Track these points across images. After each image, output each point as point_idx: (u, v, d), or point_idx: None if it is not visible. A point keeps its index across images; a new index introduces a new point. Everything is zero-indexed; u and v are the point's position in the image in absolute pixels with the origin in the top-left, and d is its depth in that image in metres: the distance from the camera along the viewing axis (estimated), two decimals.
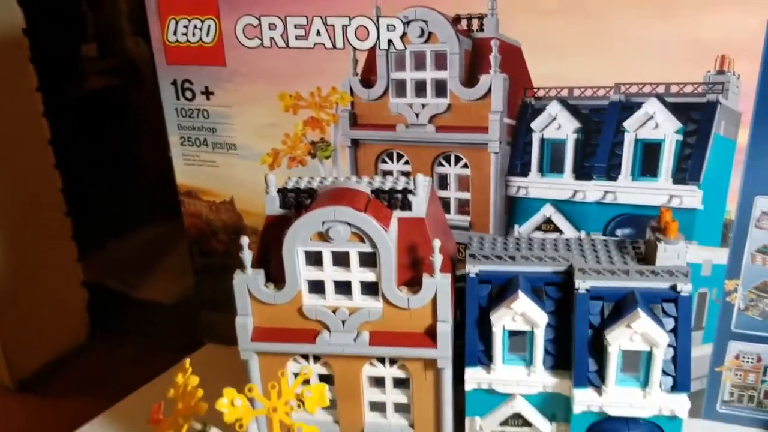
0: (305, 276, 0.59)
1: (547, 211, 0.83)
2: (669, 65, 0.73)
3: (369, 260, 0.58)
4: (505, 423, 0.64)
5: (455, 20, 0.78)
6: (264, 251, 0.60)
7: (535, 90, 0.78)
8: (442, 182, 0.85)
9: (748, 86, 0.72)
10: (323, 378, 0.63)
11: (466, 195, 0.85)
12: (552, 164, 0.81)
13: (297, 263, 0.58)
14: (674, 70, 0.73)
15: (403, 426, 0.64)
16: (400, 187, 0.59)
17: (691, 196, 0.77)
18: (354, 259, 0.58)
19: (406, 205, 0.58)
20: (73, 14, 1.98)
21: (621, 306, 0.58)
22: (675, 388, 0.58)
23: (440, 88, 0.81)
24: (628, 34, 0.73)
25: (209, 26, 0.86)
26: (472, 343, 0.62)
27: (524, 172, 0.82)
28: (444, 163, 0.84)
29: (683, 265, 0.59)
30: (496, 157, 0.82)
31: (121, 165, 2.00)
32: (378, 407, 0.64)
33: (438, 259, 0.56)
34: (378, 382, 0.63)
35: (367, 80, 0.83)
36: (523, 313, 0.59)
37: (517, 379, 0.61)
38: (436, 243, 0.56)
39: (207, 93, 0.90)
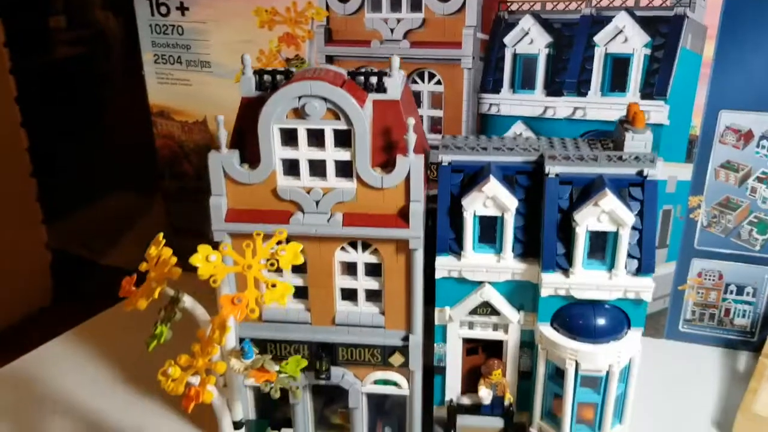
0: (280, 155, 0.59)
1: (518, 128, 0.84)
2: None
3: (344, 139, 0.58)
4: (473, 312, 0.65)
5: None
6: (239, 134, 0.61)
7: (508, 4, 0.79)
8: (416, 100, 0.85)
9: (714, 0, 0.74)
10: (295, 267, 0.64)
11: (439, 113, 0.86)
12: (524, 80, 0.82)
13: (272, 141, 0.58)
14: None
15: (374, 313, 0.65)
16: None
17: (658, 111, 0.79)
18: (329, 138, 0.58)
19: (381, 88, 0.59)
20: None
21: (589, 189, 0.59)
22: (640, 270, 0.59)
23: (415, 3, 0.82)
24: None
25: None
26: (443, 231, 0.63)
27: (496, 89, 0.83)
28: (418, 80, 0.85)
29: (651, 157, 0.60)
30: (468, 73, 0.83)
31: (92, 132, 1.97)
32: (349, 296, 0.65)
33: (412, 138, 0.57)
34: (350, 269, 0.64)
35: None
36: (493, 197, 0.60)
37: (487, 265, 0.62)
38: (410, 121, 0.57)
39: (182, 8, 0.89)
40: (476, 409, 0.69)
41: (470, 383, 0.68)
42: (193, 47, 0.91)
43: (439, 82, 0.84)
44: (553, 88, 0.81)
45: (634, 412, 0.65)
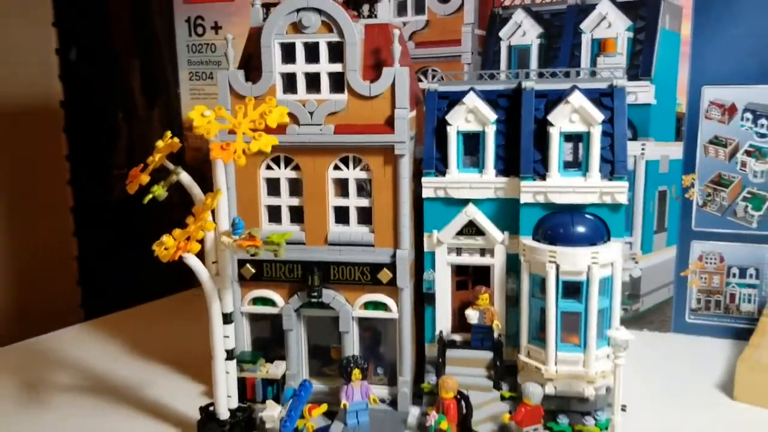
0: (280, 69, 0.66)
1: None
2: None
3: (337, 53, 0.65)
4: (460, 233, 0.68)
5: None
6: (246, 59, 0.68)
7: (502, 1, 0.88)
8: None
9: None
10: (294, 185, 0.69)
11: None
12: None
13: (273, 56, 0.65)
14: None
15: (364, 232, 0.68)
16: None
17: (644, 92, 0.84)
18: (323, 51, 0.65)
19: (373, 13, 0.66)
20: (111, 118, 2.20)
21: (563, 98, 0.64)
22: (613, 173, 0.62)
23: (419, 7, 0.92)
24: None
25: None
26: (429, 151, 0.67)
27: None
28: (422, 77, 0.93)
29: (620, 72, 0.65)
30: (469, 69, 0.91)
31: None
32: (342, 218, 0.69)
33: (397, 49, 0.63)
34: (343, 189, 0.68)
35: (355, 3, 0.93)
36: (474, 109, 0.65)
37: (470, 181, 0.66)
38: (396, 32, 0.63)
39: (216, 27, 1.01)
40: (467, 344, 0.69)
41: (462, 322, 0.69)
42: (223, 63, 1.01)
43: (441, 78, 0.92)
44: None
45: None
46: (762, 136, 0.81)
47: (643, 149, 0.85)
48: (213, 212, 0.59)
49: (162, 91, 2.16)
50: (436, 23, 0.91)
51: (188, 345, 0.83)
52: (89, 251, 2.08)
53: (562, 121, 0.62)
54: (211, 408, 0.64)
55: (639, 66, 0.84)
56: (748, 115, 0.82)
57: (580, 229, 0.63)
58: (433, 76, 0.89)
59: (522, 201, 0.64)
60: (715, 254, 0.86)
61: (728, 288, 0.86)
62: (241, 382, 0.67)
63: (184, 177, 0.59)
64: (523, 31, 0.87)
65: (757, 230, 0.84)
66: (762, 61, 0.80)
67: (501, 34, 0.88)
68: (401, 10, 0.92)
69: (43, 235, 2.19)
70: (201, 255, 0.59)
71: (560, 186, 0.63)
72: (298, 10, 0.64)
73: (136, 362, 0.82)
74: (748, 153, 0.82)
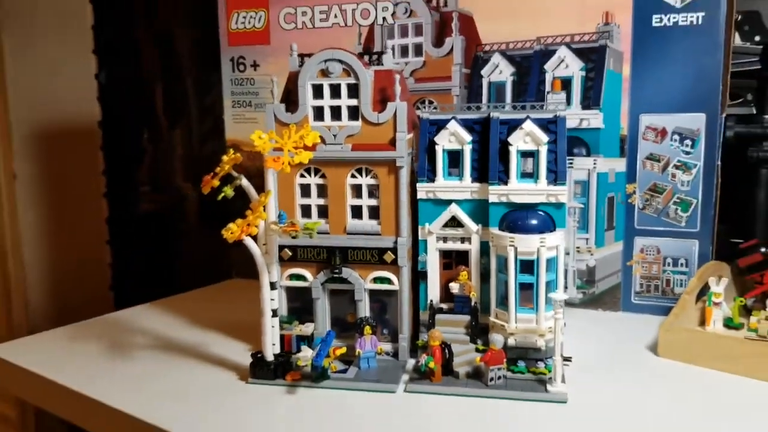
0: (311, 103, 0.89)
1: None
2: (572, 21, 1.06)
3: (354, 92, 0.88)
4: (445, 225, 0.90)
5: (428, 1, 1.13)
6: (286, 95, 0.91)
7: (483, 46, 1.11)
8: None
9: (625, 32, 1.04)
10: (321, 189, 0.91)
11: None
12: (496, 101, 1.12)
13: (306, 94, 0.88)
14: (576, 24, 1.06)
15: (374, 224, 0.90)
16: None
17: (595, 118, 1.07)
18: (344, 90, 0.88)
19: (380, 61, 0.89)
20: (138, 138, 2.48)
21: (519, 125, 0.86)
22: (556, 180, 0.85)
23: (418, 50, 1.15)
24: (542, 3, 1.07)
25: (261, 16, 1.22)
26: (422, 163, 0.90)
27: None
28: (420, 106, 1.16)
29: (562, 106, 0.88)
30: (457, 99, 1.13)
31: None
32: (357, 214, 0.91)
33: (398, 89, 0.86)
34: (357, 191, 0.91)
35: (368, 48, 1.17)
36: (455, 132, 0.88)
37: (453, 186, 0.89)
38: (397, 76, 0.87)
39: (255, 65, 1.25)
40: (451, 311, 0.92)
41: (447, 294, 0.92)
42: (260, 93, 1.25)
43: (435, 107, 1.15)
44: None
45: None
46: (687, 153, 1.03)
47: (594, 164, 1.07)
48: (264, 207, 0.81)
49: (182, 113, 2.49)
50: (431, 63, 1.14)
51: (227, 320, 1.06)
52: (121, 258, 2.36)
53: (518, 142, 0.85)
54: (260, 354, 0.86)
55: (590, 98, 1.07)
56: (676, 137, 1.04)
57: (532, 221, 0.85)
58: (428, 106, 1.12)
59: (490, 201, 0.86)
60: (653, 247, 1.08)
61: (664, 275, 1.08)
62: (280, 338, 0.89)
63: (244, 182, 0.82)
64: (499, 70, 1.10)
65: (685, 228, 1.05)
66: (685, 95, 1.02)
67: (482, 72, 1.11)
68: (404, 52, 1.15)
69: (80, 243, 2.51)
70: (253, 238, 0.82)
71: (518, 190, 0.85)
72: (325, 61, 0.87)
73: (188, 332, 1.04)
74: (676, 167, 1.04)
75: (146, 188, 2.67)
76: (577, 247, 1.08)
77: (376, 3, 1.14)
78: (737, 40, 1.19)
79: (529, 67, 1.08)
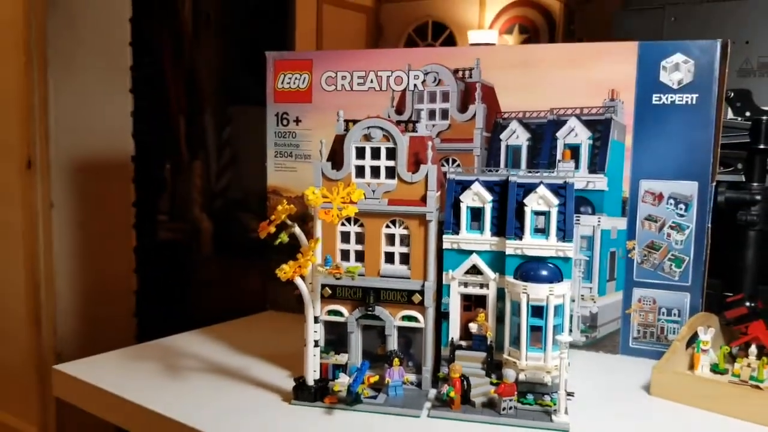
0: (354, 163, 1.03)
1: None
2: (582, 96, 1.21)
3: (391, 154, 1.02)
4: (467, 272, 1.04)
5: (455, 72, 1.28)
6: (332, 154, 1.06)
7: (502, 114, 1.26)
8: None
9: (628, 108, 1.18)
10: (359, 237, 1.05)
11: None
12: (513, 162, 1.26)
13: (351, 155, 1.03)
14: (584, 99, 1.21)
15: (404, 269, 1.04)
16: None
17: (600, 181, 1.21)
18: (383, 153, 1.02)
19: (414, 129, 1.04)
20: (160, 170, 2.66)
21: (533, 189, 1.00)
22: (564, 238, 0.98)
23: (444, 114, 1.29)
24: (557, 78, 1.22)
25: (305, 78, 1.38)
26: (448, 218, 1.04)
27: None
28: (444, 164, 1.30)
29: (571, 174, 1.01)
30: (478, 159, 1.28)
31: None
32: (389, 259, 1.05)
33: (430, 154, 1.01)
34: (391, 240, 1.05)
35: (399, 110, 1.32)
36: (477, 193, 1.02)
37: (474, 239, 1.02)
38: (429, 142, 1.01)
39: (297, 121, 1.39)
40: (469, 348, 1.05)
41: (466, 333, 1.05)
42: (300, 146, 1.40)
43: (458, 165, 1.29)
44: (532, 167, 1.24)
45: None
46: (681, 216, 1.17)
47: (599, 221, 1.21)
48: (313, 251, 0.95)
49: (202, 146, 2.68)
50: (456, 126, 1.28)
51: (267, 348, 1.18)
52: (147, 287, 2.52)
53: (533, 203, 0.98)
54: (302, 379, 0.99)
55: (596, 164, 1.20)
56: (671, 201, 1.17)
57: (543, 272, 0.98)
58: (452, 163, 1.26)
59: (507, 253, 1.00)
60: (649, 298, 1.20)
61: (659, 323, 1.20)
62: (319, 366, 1.02)
63: (297, 229, 0.96)
64: (516, 135, 1.25)
65: (678, 282, 1.18)
66: (680, 164, 1.16)
67: (501, 136, 1.26)
68: (431, 116, 1.30)
69: (109, 272, 2.66)
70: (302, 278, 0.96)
71: (531, 244, 0.99)
72: (369, 127, 1.02)
73: (234, 358, 1.16)
74: (671, 227, 1.18)
75: (164, 218, 2.85)
76: (582, 295, 1.21)
77: (408, 71, 1.29)
78: (730, 114, 1.33)
79: (543, 134, 1.22)
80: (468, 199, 1.02)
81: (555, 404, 0.94)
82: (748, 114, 1.30)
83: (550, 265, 0.98)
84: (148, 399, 0.98)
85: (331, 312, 1.05)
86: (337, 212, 0.92)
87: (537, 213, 0.99)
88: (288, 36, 2.97)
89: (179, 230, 2.79)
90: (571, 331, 1.17)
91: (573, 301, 1.22)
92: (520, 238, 0.99)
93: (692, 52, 1.14)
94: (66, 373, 1.09)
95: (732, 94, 1.32)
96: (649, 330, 1.20)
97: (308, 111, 1.37)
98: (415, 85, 1.29)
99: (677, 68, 1.14)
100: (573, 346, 1.23)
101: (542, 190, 0.98)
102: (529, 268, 0.98)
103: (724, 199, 1.26)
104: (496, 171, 1.05)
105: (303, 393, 0.97)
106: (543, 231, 0.99)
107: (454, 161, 1.29)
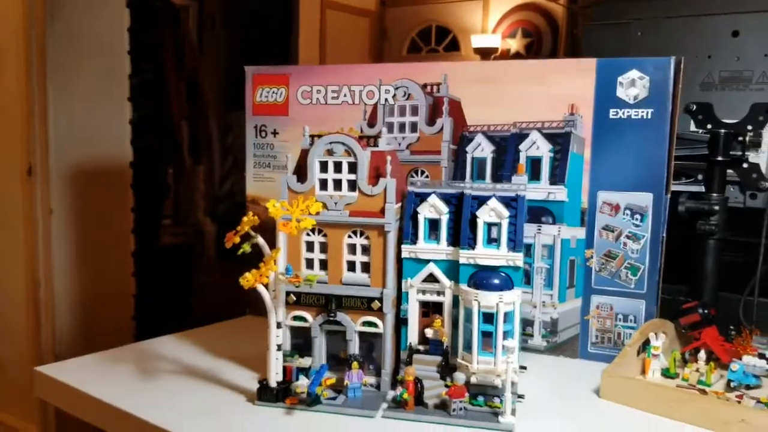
0: (318, 176, 1.08)
1: None
2: (543, 110, 1.26)
3: (353, 168, 1.08)
4: (424, 281, 1.09)
5: (423, 86, 1.33)
6: (298, 168, 1.11)
7: (468, 127, 1.31)
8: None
9: (587, 122, 1.23)
10: (323, 246, 1.10)
11: None
12: (478, 174, 1.31)
13: (314, 168, 1.08)
14: (545, 113, 1.26)
15: (365, 278, 1.09)
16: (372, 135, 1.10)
17: (560, 192, 1.25)
18: (345, 167, 1.08)
19: (375, 144, 1.09)
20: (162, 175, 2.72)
21: (486, 201, 1.05)
22: (514, 248, 1.03)
23: (414, 127, 1.35)
24: (520, 93, 1.27)
25: (281, 92, 1.43)
26: (407, 229, 1.09)
27: (462, 179, 1.32)
28: (414, 175, 1.35)
29: (523, 187, 1.06)
30: (445, 171, 1.33)
31: None
32: (351, 267, 1.10)
33: (388, 168, 1.06)
34: (352, 249, 1.10)
35: (371, 123, 1.37)
36: (434, 205, 1.07)
37: (431, 248, 1.07)
38: (389, 157, 1.06)
39: (275, 133, 1.45)
40: (427, 352, 1.10)
41: (425, 338, 1.10)
42: (278, 157, 1.46)
43: (427, 176, 1.34)
44: (497, 178, 1.29)
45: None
46: (636, 226, 1.22)
47: (559, 231, 1.25)
48: (275, 261, 1.01)
49: (205, 151, 2.74)
50: (424, 139, 1.34)
51: (241, 351, 1.23)
52: (145, 290, 2.59)
53: (485, 215, 1.04)
54: (265, 381, 1.04)
55: (557, 175, 1.25)
56: (628, 211, 1.22)
57: (494, 281, 1.03)
58: (421, 174, 1.32)
59: (460, 262, 1.05)
60: (607, 305, 1.25)
61: (616, 329, 1.25)
62: (283, 369, 1.08)
63: (260, 240, 1.01)
64: (481, 148, 1.30)
65: (634, 289, 1.23)
66: (636, 177, 1.20)
67: (467, 149, 1.31)
68: (402, 128, 1.35)
69: (108, 275, 2.74)
70: (265, 286, 1.01)
71: (483, 254, 1.03)
72: (331, 142, 1.07)
73: (207, 361, 1.21)
74: (627, 237, 1.22)
75: (168, 222, 2.92)
76: (543, 302, 1.26)
77: (380, 86, 1.34)
78: (692, 126, 1.38)
79: (506, 146, 1.27)
80: (425, 211, 1.07)
81: (503, 406, 0.99)
82: (709, 126, 1.35)
83: (502, 273, 1.03)
84: (121, 400, 1.04)
85: (296, 318, 1.10)
86: (296, 224, 0.97)
87: (489, 224, 1.04)
88: (291, 41, 3.03)
89: (179, 234, 2.86)
90: (532, 336, 1.22)
91: (534, 307, 1.28)
92: (473, 248, 1.04)
93: (647, 68, 1.18)
94: (46, 374, 1.15)
95: (694, 107, 1.36)
96: (606, 335, 1.25)
97: (285, 124, 1.42)
98: (386, 99, 1.34)
99: (633, 84, 1.19)
100: (534, 350, 1.28)
101: (493, 202, 1.03)
102: (481, 277, 1.03)
103: (685, 209, 1.31)
104: (461, 183, 1.10)
105: (265, 394, 1.03)
106: (495, 241, 1.04)
107: (422, 172, 1.34)
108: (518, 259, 1.02)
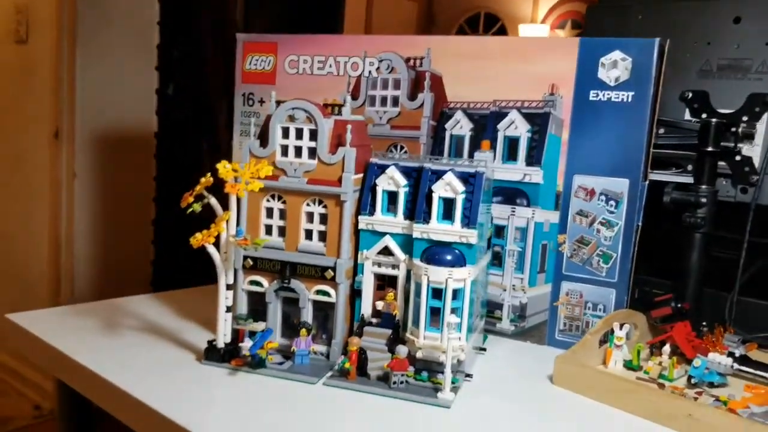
0: (279, 142, 1.08)
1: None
2: (523, 89, 1.23)
3: (314, 135, 1.07)
4: (380, 253, 1.08)
5: (406, 60, 1.32)
6: (263, 133, 1.11)
7: (448, 103, 1.29)
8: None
9: (567, 102, 1.20)
10: (282, 213, 1.10)
11: None
12: (456, 152, 1.29)
13: (276, 134, 1.08)
14: (526, 92, 1.23)
15: (320, 246, 1.09)
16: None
17: (536, 174, 1.23)
18: (306, 134, 1.07)
19: (339, 113, 1.08)
20: (196, 148, 2.74)
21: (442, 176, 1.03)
22: (469, 224, 1.01)
23: (395, 102, 1.33)
24: (501, 71, 1.24)
25: (270, 60, 1.43)
26: (365, 200, 1.08)
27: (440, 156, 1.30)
28: (393, 150, 1.34)
29: (484, 163, 1.04)
30: (424, 147, 1.31)
31: None
32: (309, 235, 1.10)
33: (348, 137, 1.05)
34: (310, 217, 1.10)
35: (354, 95, 1.36)
36: (392, 177, 1.06)
37: (388, 221, 1.06)
38: (349, 126, 1.05)
39: (261, 101, 1.45)
40: (378, 325, 1.09)
41: (376, 310, 1.09)
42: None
43: (405, 152, 1.33)
44: (472, 156, 1.27)
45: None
46: (611, 212, 1.18)
47: (533, 214, 1.23)
48: (227, 222, 1.01)
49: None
50: (405, 114, 1.32)
51: (207, 315, 1.24)
52: (163, 258, 2.62)
53: (440, 189, 1.02)
54: (214, 342, 1.05)
55: (534, 157, 1.23)
56: (603, 197, 1.18)
57: (445, 256, 1.01)
58: (400, 150, 1.30)
59: (414, 236, 1.03)
60: (577, 292, 1.22)
61: (585, 317, 1.22)
62: (236, 332, 1.08)
63: (212, 200, 1.02)
64: (460, 125, 1.27)
65: (605, 278, 1.20)
66: (613, 161, 1.17)
67: (446, 125, 1.29)
68: (383, 102, 1.34)
69: (127, 241, 2.79)
70: (218, 249, 1.02)
71: (437, 229, 1.02)
72: (293, 108, 1.07)
73: (172, 320, 1.23)
74: (601, 223, 1.19)
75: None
76: (513, 286, 1.24)
77: (364, 58, 1.33)
78: (687, 115, 1.33)
79: (485, 124, 1.25)
80: (384, 183, 1.06)
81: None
82: (704, 116, 1.30)
83: (455, 250, 1.02)
84: (77, 353, 1.06)
85: (252, 282, 1.11)
86: (244, 186, 0.97)
87: (444, 199, 1.02)
88: (338, 21, 3.02)
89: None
90: (500, 320, 1.20)
91: (504, 290, 1.25)
92: (427, 223, 1.02)
93: (630, 50, 1.15)
94: (14, 322, 1.18)
95: (690, 95, 1.31)
96: (574, 323, 1.22)
97: (269, 92, 1.42)
98: (369, 72, 1.33)
99: (615, 65, 1.15)
100: (502, 334, 1.26)
101: (449, 176, 1.01)
102: (433, 252, 1.02)
103: (670, 199, 1.27)
104: (412, 157, 1.08)
105: (212, 354, 1.03)
106: (450, 217, 1.02)
107: (402, 147, 1.32)
108: (472, 236, 1.00)
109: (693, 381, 1.05)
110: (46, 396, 2.92)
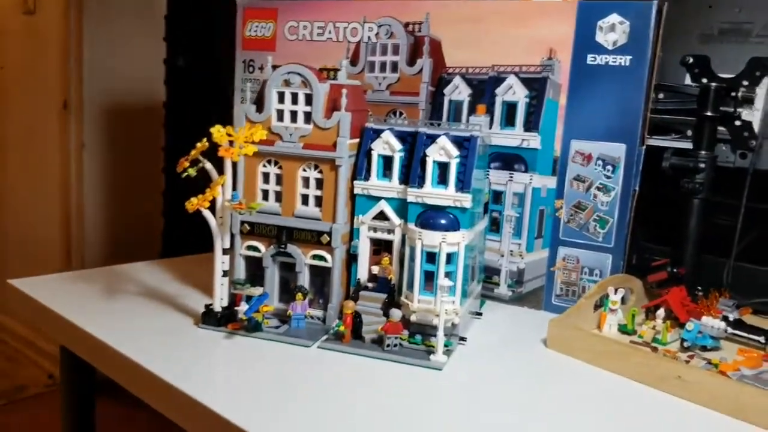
0: (275, 107, 1.09)
1: None
2: (521, 54, 1.22)
3: (309, 100, 1.07)
4: (375, 218, 1.08)
5: (405, 25, 1.31)
6: (258, 98, 1.12)
7: (447, 69, 1.28)
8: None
9: (564, 67, 1.19)
10: (278, 178, 1.11)
11: None
12: (455, 117, 1.29)
13: (272, 99, 1.08)
14: (524, 56, 1.22)
15: (316, 211, 1.09)
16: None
17: (534, 139, 1.22)
18: (301, 98, 1.07)
19: (335, 77, 1.08)
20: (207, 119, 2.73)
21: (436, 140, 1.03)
22: (463, 188, 1.02)
23: (394, 67, 1.33)
24: (500, 35, 1.23)
25: (270, 26, 1.43)
26: (361, 165, 1.09)
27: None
28: (392, 116, 1.34)
29: (479, 127, 1.04)
30: (423, 113, 1.31)
31: None
32: (305, 201, 1.10)
33: (343, 102, 1.05)
34: (306, 182, 1.10)
35: (353, 61, 1.36)
36: (387, 142, 1.06)
37: (384, 186, 1.07)
38: (344, 90, 1.05)
39: (261, 68, 1.45)
40: (374, 289, 1.10)
41: (372, 275, 1.10)
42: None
43: (405, 117, 1.33)
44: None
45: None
46: (608, 177, 1.18)
47: (530, 180, 1.23)
48: (224, 188, 1.02)
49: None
50: (404, 79, 1.32)
51: (208, 281, 1.26)
52: (172, 230, 2.64)
53: (434, 153, 1.02)
54: (211, 306, 1.07)
55: (531, 122, 1.22)
56: (600, 162, 1.18)
57: (440, 221, 1.02)
58: (399, 116, 1.30)
59: (408, 201, 1.04)
60: (573, 257, 1.22)
61: (581, 282, 1.22)
62: (234, 296, 1.10)
63: (207, 165, 1.03)
64: (459, 91, 1.27)
65: (602, 243, 1.20)
66: (609, 126, 1.16)
67: (445, 91, 1.28)
68: (383, 68, 1.34)
69: (137, 212, 2.81)
70: (214, 213, 1.03)
71: (431, 193, 1.02)
72: (288, 73, 1.07)
73: (173, 286, 1.25)
74: (598, 188, 1.19)
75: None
76: (511, 251, 1.24)
77: (363, 23, 1.33)
78: (687, 80, 1.32)
79: (484, 90, 1.24)
80: (379, 147, 1.06)
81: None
82: (704, 80, 1.28)
83: (449, 214, 1.02)
84: (79, 317, 1.08)
85: (249, 247, 1.12)
86: (238, 150, 0.98)
87: (439, 164, 1.02)
88: None
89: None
90: (498, 285, 1.21)
91: (502, 255, 1.26)
92: (422, 187, 1.03)
93: (628, 13, 1.13)
94: (16, 287, 1.20)
95: (691, 60, 1.30)
96: (571, 288, 1.22)
97: (273, 60, 1.42)
98: (369, 38, 1.32)
99: (613, 29, 1.14)
100: (500, 299, 1.27)
101: (443, 141, 1.01)
102: (427, 216, 1.03)
103: (669, 165, 1.26)
104: (408, 121, 1.08)
105: (209, 318, 1.05)
106: (444, 181, 1.03)
107: (401, 114, 1.32)
108: (466, 200, 1.01)
109: (685, 344, 1.05)
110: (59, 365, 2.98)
